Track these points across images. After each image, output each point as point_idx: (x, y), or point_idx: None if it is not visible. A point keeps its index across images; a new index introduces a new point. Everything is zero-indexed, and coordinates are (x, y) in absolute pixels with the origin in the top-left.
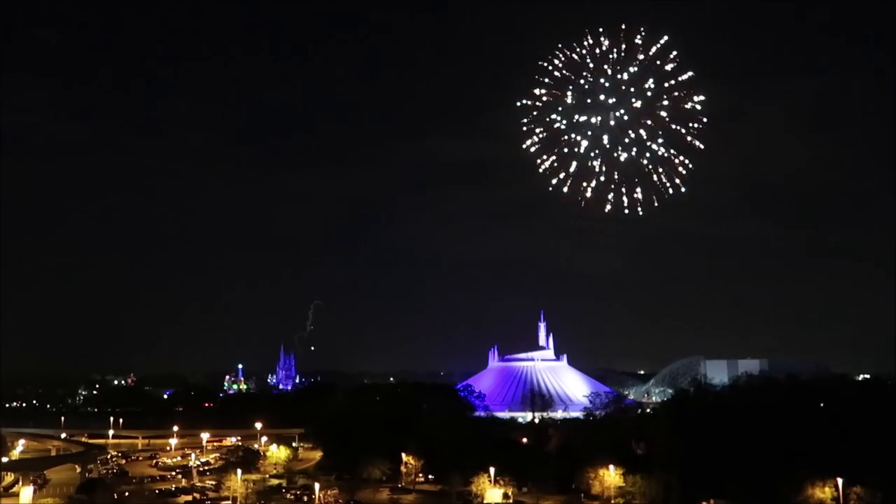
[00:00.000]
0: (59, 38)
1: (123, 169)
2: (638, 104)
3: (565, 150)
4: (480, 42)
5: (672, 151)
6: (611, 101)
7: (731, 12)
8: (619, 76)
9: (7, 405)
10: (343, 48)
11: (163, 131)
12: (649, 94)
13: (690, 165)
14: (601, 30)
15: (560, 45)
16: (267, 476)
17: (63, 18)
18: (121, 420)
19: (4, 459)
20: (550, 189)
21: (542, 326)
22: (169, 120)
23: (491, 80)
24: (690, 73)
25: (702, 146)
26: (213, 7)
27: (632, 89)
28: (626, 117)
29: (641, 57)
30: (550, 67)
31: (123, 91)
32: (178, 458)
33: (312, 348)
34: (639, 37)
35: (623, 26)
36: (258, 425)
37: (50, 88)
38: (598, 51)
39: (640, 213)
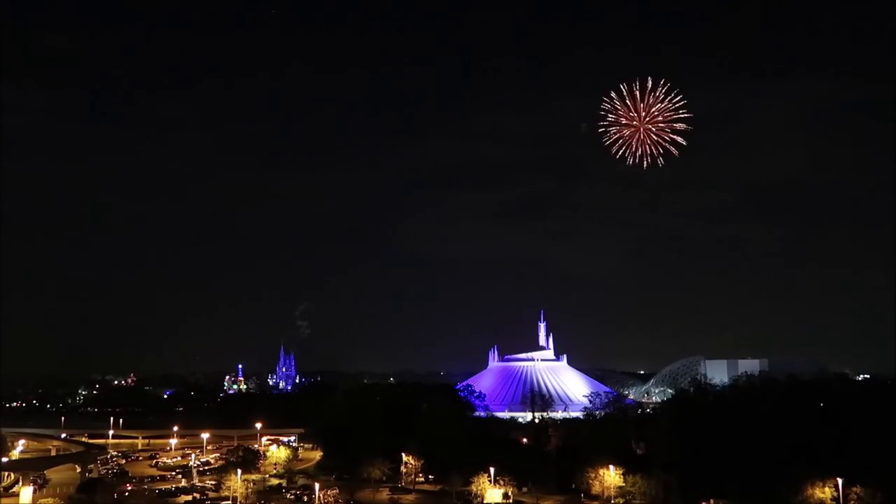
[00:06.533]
0: (63, 42)
1: (123, 171)
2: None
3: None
4: (482, 44)
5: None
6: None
7: (732, 13)
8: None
9: (7, 405)
10: (342, 48)
11: (162, 134)
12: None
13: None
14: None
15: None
16: (267, 476)
17: (67, 24)
18: (121, 420)
19: (4, 459)
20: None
21: (542, 326)
22: (169, 123)
23: (491, 81)
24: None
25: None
26: (213, 9)
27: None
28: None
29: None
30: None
31: (124, 93)
32: (178, 458)
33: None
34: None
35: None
36: (258, 425)
37: (53, 90)
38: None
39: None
